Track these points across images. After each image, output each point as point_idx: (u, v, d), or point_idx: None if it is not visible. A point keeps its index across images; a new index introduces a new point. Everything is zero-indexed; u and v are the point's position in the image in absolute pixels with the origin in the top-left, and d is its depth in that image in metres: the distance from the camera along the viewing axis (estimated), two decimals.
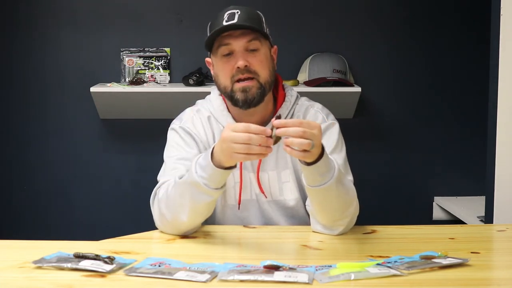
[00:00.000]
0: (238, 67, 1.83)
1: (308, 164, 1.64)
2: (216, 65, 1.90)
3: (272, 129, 1.57)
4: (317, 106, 2.02)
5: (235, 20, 1.82)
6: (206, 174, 1.66)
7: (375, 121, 3.59)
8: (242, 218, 1.96)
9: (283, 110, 1.95)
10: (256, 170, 1.94)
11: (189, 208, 1.72)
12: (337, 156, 1.90)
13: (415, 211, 3.63)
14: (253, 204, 1.96)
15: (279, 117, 1.60)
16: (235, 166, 1.67)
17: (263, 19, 1.91)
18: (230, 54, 1.86)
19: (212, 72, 1.95)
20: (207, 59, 1.97)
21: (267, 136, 1.56)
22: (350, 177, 1.90)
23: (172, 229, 1.80)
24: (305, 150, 1.56)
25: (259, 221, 1.97)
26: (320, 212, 1.78)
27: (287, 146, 1.56)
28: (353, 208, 1.79)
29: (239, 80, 1.85)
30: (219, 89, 1.93)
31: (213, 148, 1.66)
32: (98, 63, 3.50)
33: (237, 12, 1.84)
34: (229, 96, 1.89)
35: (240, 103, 1.86)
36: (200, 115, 1.98)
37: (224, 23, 1.83)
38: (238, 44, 1.84)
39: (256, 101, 1.86)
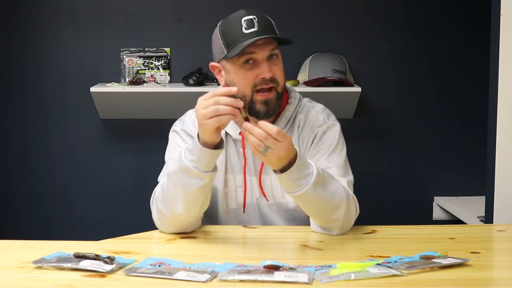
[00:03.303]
0: (263, 78, 1.81)
1: (280, 171, 1.67)
2: (235, 72, 1.84)
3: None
4: (319, 107, 2.02)
5: (256, 28, 1.80)
6: (195, 157, 1.68)
7: (375, 121, 3.59)
8: (243, 222, 1.96)
9: (286, 113, 1.95)
10: (258, 174, 1.94)
11: (182, 196, 1.72)
12: (337, 157, 1.90)
13: (415, 211, 3.63)
14: (253, 208, 1.97)
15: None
16: (222, 146, 1.69)
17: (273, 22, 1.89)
18: (251, 61, 1.82)
19: (219, 77, 1.90)
20: (213, 64, 1.89)
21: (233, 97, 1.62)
22: (350, 178, 1.90)
23: (170, 226, 1.80)
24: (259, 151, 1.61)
25: (259, 224, 1.97)
26: (310, 216, 1.81)
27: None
28: (343, 210, 1.77)
29: (259, 90, 1.82)
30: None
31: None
32: (98, 63, 3.50)
33: (254, 18, 1.81)
34: (247, 107, 1.81)
35: (261, 115, 1.83)
36: None
37: (244, 31, 1.80)
38: (262, 53, 1.81)
39: (274, 111, 1.86)
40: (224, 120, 1.64)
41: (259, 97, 1.82)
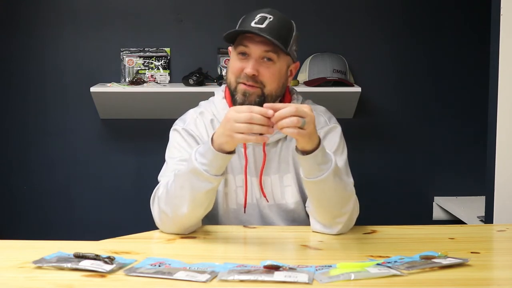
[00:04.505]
0: (245, 73, 1.84)
1: (305, 153, 1.66)
2: (231, 60, 1.91)
3: None
4: (320, 109, 2.03)
5: (263, 25, 1.82)
6: (206, 160, 1.67)
7: (375, 121, 3.59)
8: (243, 222, 1.97)
9: None
10: (259, 174, 1.94)
11: (189, 198, 1.72)
12: (338, 158, 1.90)
13: (415, 211, 3.63)
14: (253, 208, 1.97)
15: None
16: (234, 152, 1.69)
17: (294, 32, 1.90)
18: (246, 54, 1.86)
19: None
20: (229, 47, 1.95)
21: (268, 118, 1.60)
22: (350, 180, 1.91)
23: (172, 226, 1.80)
24: (298, 128, 1.59)
25: (259, 225, 1.97)
26: (318, 209, 1.78)
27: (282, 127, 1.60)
28: (351, 205, 1.79)
29: (243, 83, 1.86)
30: (226, 80, 1.94)
31: (213, 135, 1.68)
32: (98, 63, 3.50)
33: (269, 18, 1.83)
34: (231, 93, 1.90)
35: (236, 105, 1.86)
36: (203, 117, 1.98)
37: (252, 24, 1.82)
38: (255, 50, 1.84)
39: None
40: (253, 141, 1.64)
41: (240, 86, 1.86)
